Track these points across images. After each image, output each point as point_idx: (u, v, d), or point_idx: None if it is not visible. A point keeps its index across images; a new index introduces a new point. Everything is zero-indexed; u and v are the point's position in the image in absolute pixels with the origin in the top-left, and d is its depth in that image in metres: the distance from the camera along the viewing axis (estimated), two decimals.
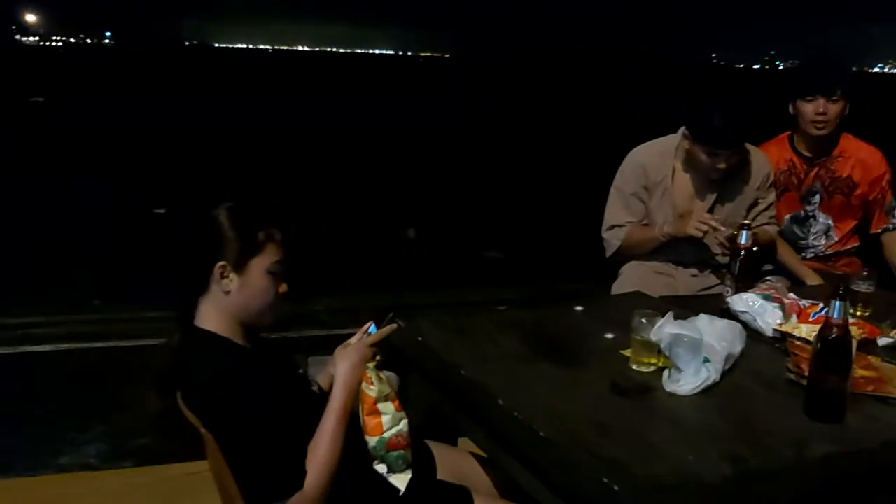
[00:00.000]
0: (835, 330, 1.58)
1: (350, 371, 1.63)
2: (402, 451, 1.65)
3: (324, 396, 1.64)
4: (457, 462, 1.91)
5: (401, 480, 1.64)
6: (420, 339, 2.04)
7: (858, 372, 1.79)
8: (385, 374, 1.73)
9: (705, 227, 2.52)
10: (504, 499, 1.85)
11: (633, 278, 2.74)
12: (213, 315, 1.58)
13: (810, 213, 2.96)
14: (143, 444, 2.90)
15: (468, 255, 4.15)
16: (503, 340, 2.03)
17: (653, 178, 2.69)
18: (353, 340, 1.73)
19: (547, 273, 3.75)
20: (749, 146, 2.72)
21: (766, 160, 2.77)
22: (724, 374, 1.78)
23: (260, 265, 1.58)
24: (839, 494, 1.54)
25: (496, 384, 1.74)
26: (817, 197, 2.94)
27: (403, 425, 1.66)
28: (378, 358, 1.69)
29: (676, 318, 1.84)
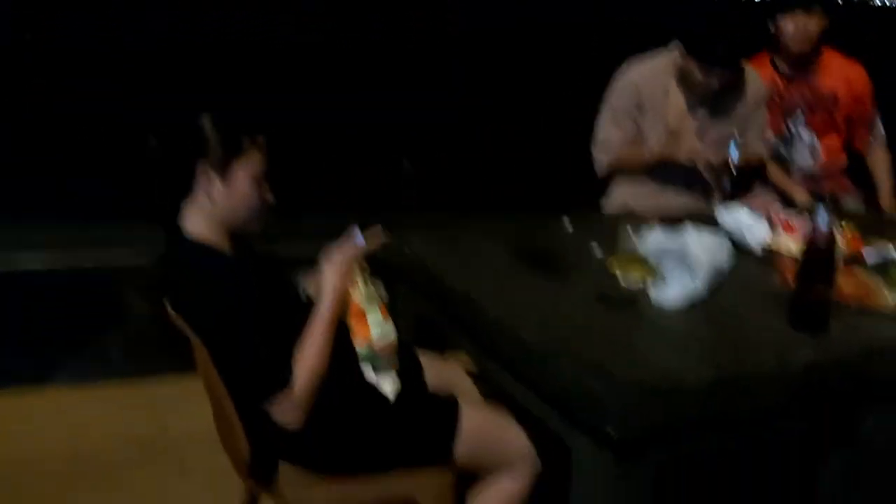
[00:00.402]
0: (820, 240, 1.58)
1: (337, 276, 1.63)
2: (389, 357, 1.67)
3: (312, 304, 1.65)
4: (444, 371, 1.94)
5: (388, 383, 1.67)
6: (408, 250, 2.05)
7: (843, 284, 1.81)
8: (376, 283, 1.74)
9: (695, 155, 2.52)
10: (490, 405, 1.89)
11: (623, 197, 2.74)
12: (198, 221, 1.58)
13: (794, 132, 2.95)
14: (135, 358, 2.93)
15: (459, 179, 4.11)
16: (492, 253, 2.04)
17: (645, 95, 2.65)
18: (338, 246, 1.72)
19: (539, 194, 3.74)
20: (744, 64, 2.69)
21: (757, 79, 2.73)
22: (711, 287, 1.80)
23: (244, 170, 1.57)
24: (820, 401, 1.57)
25: (483, 294, 1.75)
26: (800, 114, 2.93)
27: (390, 330, 1.68)
28: (364, 264, 1.69)
29: (664, 231, 1.84)
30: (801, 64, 2.90)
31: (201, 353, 1.56)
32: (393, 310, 1.95)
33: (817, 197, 1.60)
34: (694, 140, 2.58)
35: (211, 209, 1.57)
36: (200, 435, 1.92)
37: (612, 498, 1.41)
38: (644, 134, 2.68)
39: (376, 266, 1.90)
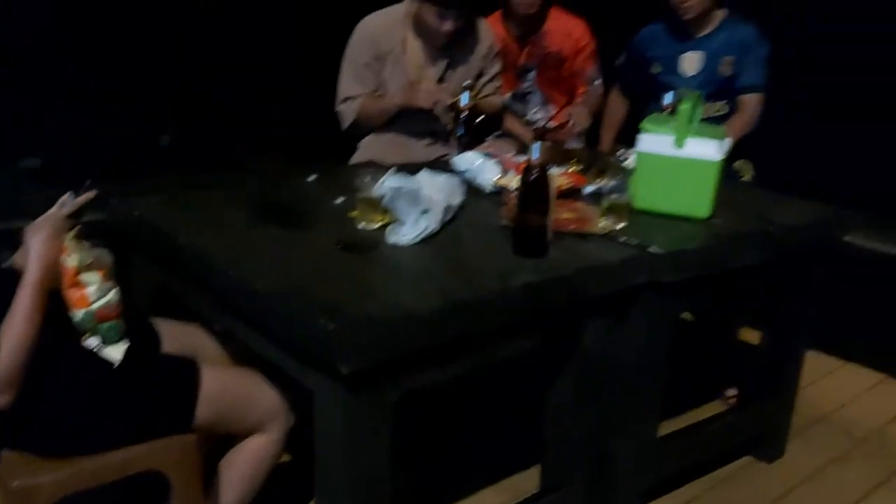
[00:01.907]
0: (535, 170, 1.68)
1: (43, 243, 1.49)
2: (114, 322, 1.57)
3: (16, 274, 1.50)
4: (185, 335, 1.86)
5: (116, 352, 1.56)
6: (137, 214, 1.93)
7: (563, 214, 1.95)
8: (94, 249, 1.62)
9: (433, 99, 2.57)
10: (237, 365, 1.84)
11: (369, 150, 2.76)
12: None
13: (527, 90, 3.12)
14: None
15: (209, 143, 3.93)
16: (230, 210, 1.97)
17: (384, 48, 2.67)
18: (48, 213, 1.59)
19: (289, 152, 3.68)
20: (477, 18, 2.79)
21: (489, 31, 2.85)
22: (445, 225, 1.86)
23: None
24: (542, 319, 1.68)
25: (216, 248, 1.69)
26: (532, 73, 3.10)
27: (113, 295, 1.57)
28: (78, 228, 1.56)
29: (399, 175, 1.88)
30: (530, 26, 3.05)
31: None
32: (128, 278, 1.84)
33: (534, 136, 1.69)
34: (431, 83, 2.64)
35: None
36: None
37: (350, 432, 1.42)
38: (385, 86, 2.71)
39: (106, 235, 1.78)
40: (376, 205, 1.86)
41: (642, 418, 1.98)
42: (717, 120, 2.65)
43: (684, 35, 2.85)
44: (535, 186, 1.69)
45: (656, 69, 2.93)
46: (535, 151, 1.68)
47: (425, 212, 1.81)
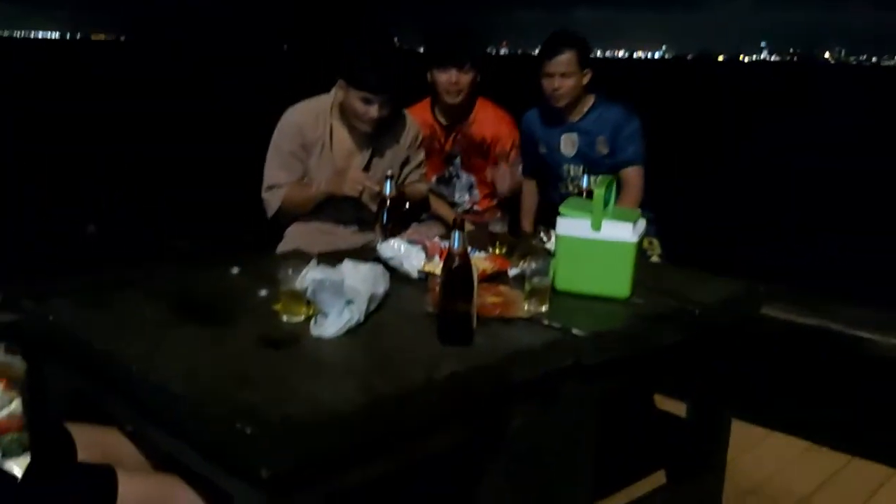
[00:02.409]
0: (457, 259, 1.70)
1: None
2: (15, 434, 1.50)
3: None
4: (102, 441, 1.78)
5: (18, 465, 1.49)
6: (51, 318, 1.86)
7: (488, 299, 1.97)
8: (5, 356, 1.55)
9: (360, 187, 2.60)
10: (157, 470, 1.77)
11: (296, 239, 2.76)
12: None
13: (453, 174, 3.19)
14: None
15: (136, 231, 3.88)
16: (149, 309, 1.92)
17: (310, 137, 2.70)
18: None
19: (217, 239, 3.65)
20: (402, 108, 2.85)
21: (413, 121, 2.91)
22: (369, 314, 1.85)
23: None
24: (468, 410, 1.67)
25: (132, 352, 1.64)
26: (458, 159, 3.18)
27: (15, 406, 1.50)
28: None
29: (322, 266, 1.87)
30: (456, 114, 3.13)
31: None
32: (42, 383, 1.76)
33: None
34: (358, 171, 2.66)
35: None
36: None
37: None
38: (311, 174, 2.73)
39: (19, 338, 1.72)
40: (300, 297, 1.84)
41: (575, 500, 1.96)
42: None
43: (559, 120, 3.06)
44: (457, 274, 1.70)
45: (542, 150, 3.13)
46: (457, 240, 1.70)
47: (349, 303, 1.79)
